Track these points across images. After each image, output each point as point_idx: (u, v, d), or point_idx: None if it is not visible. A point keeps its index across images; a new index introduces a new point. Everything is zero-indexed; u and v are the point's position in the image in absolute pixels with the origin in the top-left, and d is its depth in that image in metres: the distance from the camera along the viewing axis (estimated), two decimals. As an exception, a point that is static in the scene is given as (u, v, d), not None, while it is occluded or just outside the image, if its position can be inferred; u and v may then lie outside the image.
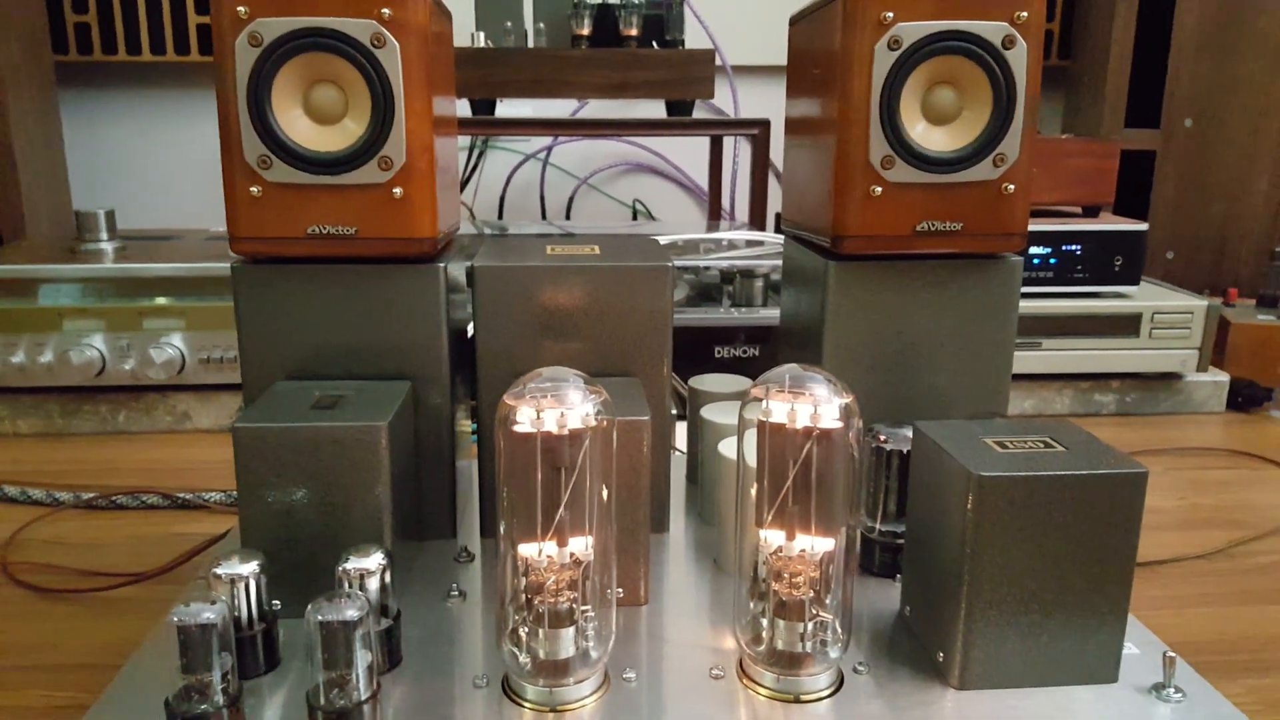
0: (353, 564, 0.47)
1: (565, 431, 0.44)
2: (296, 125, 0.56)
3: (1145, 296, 1.19)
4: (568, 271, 0.60)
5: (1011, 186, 0.59)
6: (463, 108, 1.51)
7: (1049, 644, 0.46)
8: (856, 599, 0.53)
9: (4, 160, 1.37)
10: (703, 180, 1.77)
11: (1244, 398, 1.20)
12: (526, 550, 0.45)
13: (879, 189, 0.58)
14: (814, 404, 0.44)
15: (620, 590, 0.54)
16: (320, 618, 0.42)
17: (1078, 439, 0.49)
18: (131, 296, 1.06)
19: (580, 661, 0.46)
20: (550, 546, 0.45)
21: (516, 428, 0.44)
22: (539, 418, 0.43)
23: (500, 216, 1.78)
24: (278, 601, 0.52)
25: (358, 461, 0.51)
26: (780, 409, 0.45)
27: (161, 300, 1.06)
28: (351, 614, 0.42)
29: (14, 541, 0.82)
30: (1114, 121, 1.63)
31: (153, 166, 1.70)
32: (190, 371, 1.07)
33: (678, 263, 1.17)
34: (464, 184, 1.74)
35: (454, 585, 0.56)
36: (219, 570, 0.47)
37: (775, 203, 1.73)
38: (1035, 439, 0.49)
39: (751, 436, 0.47)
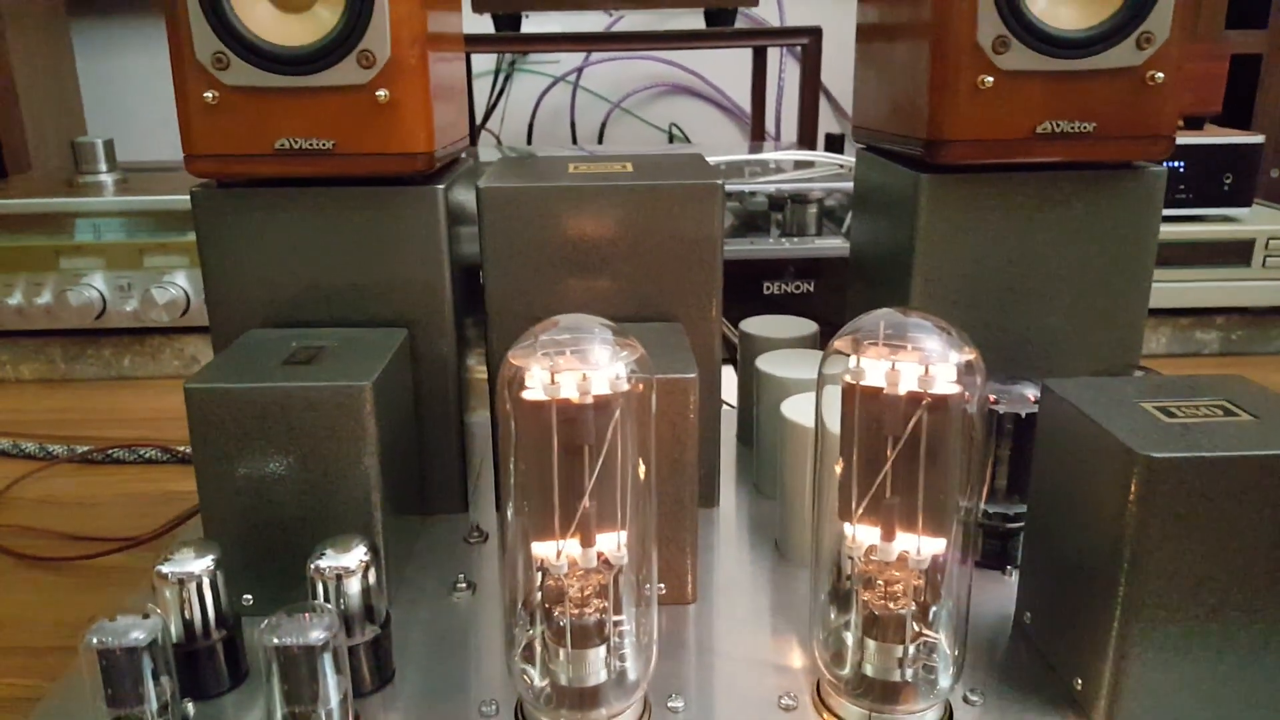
0: (327, 562, 0.38)
1: (589, 399, 0.33)
2: (257, 13, 0.44)
3: (1258, 220, 1.04)
4: (594, 193, 0.49)
5: (1160, 75, 0.46)
6: (486, 25, 1.37)
7: (1231, 673, 0.35)
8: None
9: (5, 93, 1.28)
10: (745, 102, 1.61)
11: (1372, 336, 1.05)
12: (542, 550, 0.35)
13: (989, 79, 0.45)
14: (923, 362, 0.33)
15: (663, 586, 0.44)
16: (276, 641, 0.32)
17: (1266, 403, 0.37)
18: (131, 232, 0.98)
19: (614, 688, 0.36)
20: (572, 545, 0.34)
21: (526, 394, 0.34)
22: (554, 382, 0.33)
23: (529, 143, 1.65)
24: (249, 596, 0.43)
25: (338, 429, 0.41)
26: (876, 369, 0.34)
27: (163, 236, 0.97)
28: (317, 636, 0.32)
29: (1, 500, 0.75)
30: (1213, 22, 1.44)
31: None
32: (197, 312, 0.98)
33: (724, 188, 1.05)
34: (490, 110, 1.62)
35: (462, 575, 0.46)
36: (164, 568, 0.37)
37: (826, 123, 1.58)
38: (1209, 403, 0.37)
39: (833, 399, 0.35)
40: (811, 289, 1.00)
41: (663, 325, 0.50)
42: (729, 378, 0.70)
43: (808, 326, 0.62)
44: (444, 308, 0.49)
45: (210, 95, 0.45)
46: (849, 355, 0.34)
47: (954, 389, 0.33)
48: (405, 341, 0.48)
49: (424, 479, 0.52)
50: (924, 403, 0.33)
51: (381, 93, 0.44)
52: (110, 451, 0.82)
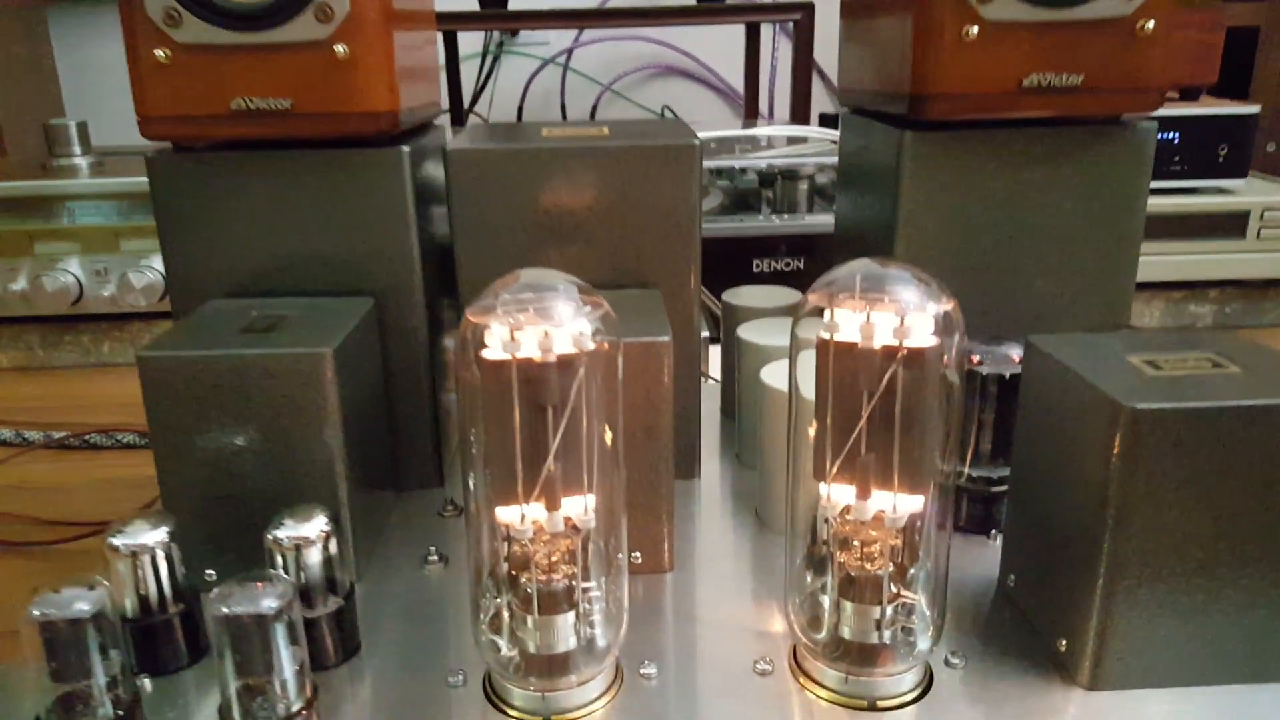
0: (286, 532, 0.36)
1: (551, 358, 0.32)
2: (212, -31, 0.43)
3: (1253, 192, 1.03)
4: (567, 155, 0.48)
5: (1150, 25, 0.44)
6: (472, 3, 1.36)
7: (1218, 631, 0.34)
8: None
9: (-25, 78, 1.27)
10: (738, 83, 1.59)
11: (1369, 307, 1.04)
12: (507, 515, 0.33)
13: (974, 30, 0.44)
14: (899, 313, 0.32)
15: (637, 555, 0.43)
16: (226, 610, 0.31)
17: (1255, 356, 0.36)
18: (107, 216, 0.96)
19: (583, 655, 0.35)
20: (537, 510, 0.33)
21: (486, 353, 0.32)
22: (514, 339, 0.31)
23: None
24: (211, 572, 0.42)
25: (298, 399, 0.40)
26: (850, 321, 0.32)
27: (140, 219, 0.96)
28: (268, 605, 0.31)
29: (-26, 486, 0.74)
30: (1210, -7, 1.42)
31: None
32: (176, 297, 0.97)
33: (709, 165, 1.03)
34: (478, 93, 1.60)
35: (434, 548, 0.45)
36: (116, 540, 0.36)
37: (821, 103, 1.56)
38: (1197, 356, 0.36)
39: (809, 360, 0.34)
40: (802, 266, 0.99)
41: (640, 292, 0.49)
42: (715, 353, 0.69)
43: (791, 296, 0.61)
44: (413, 278, 0.48)
45: (162, 54, 0.43)
46: (823, 310, 0.33)
47: (931, 341, 0.32)
48: (371, 311, 0.46)
49: (396, 454, 0.51)
50: (899, 356, 0.32)
51: (340, 48, 0.43)
52: (87, 437, 0.80)
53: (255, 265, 0.48)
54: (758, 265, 0.99)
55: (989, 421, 0.44)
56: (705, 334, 0.85)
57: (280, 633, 0.31)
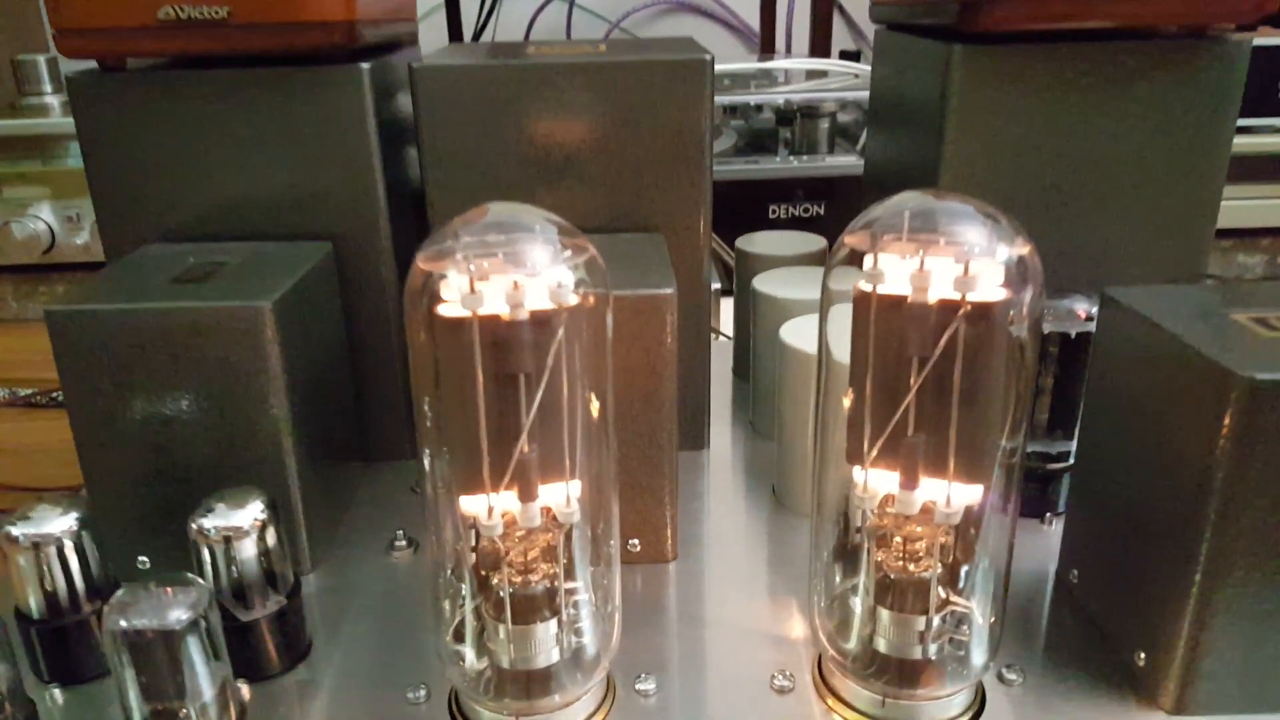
0: (214, 521, 0.30)
1: (523, 315, 0.25)
2: None
3: (1314, 131, 0.94)
4: (556, 73, 0.41)
5: (1252, -89, 0.37)
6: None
7: (1340, 651, 0.28)
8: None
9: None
10: (753, 19, 1.50)
11: None
12: (472, 506, 0.27)
13: (1041, -82, 0.36)
14: (960, 258, 0.25)
15: (635, 542, 0.37)
16: (125, 624, 0.25)
17: (1390, 311, 0.29)
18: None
19: (568, 668, 0.29)
20: (508, 500, 0.27)
21: (443, 309, 0.26)
22: (475, 291, 0.25)
23: (518, 65, 1.54)
24: (144, 559, 0.36)
25: (235, 360, 0.34)
26: (899, 269, 0.26)
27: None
28: (178, 616, 0.25)
29: (-66, 447, 0.69)
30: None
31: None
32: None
33: (722, 100, 0.95)
34: (478, 32, 1.51)
35: (402, 530, 0.39)
36: (15, 530, 0.31)
37: (841, 40, 1.46)
38: (1319, 312, 0.29)
39: (843, 316, 0.28)
40: (822, 211, 0.92)
41: (640, 236, 0.42)
42: (726, 307, 0.62)
43: (814, 242, 0.54)
44: (378, 220, 0.41)
45: (77, -47, 0.36)
46: (865, 254, 0.27)
47: (1001, 294, 0.25)
48: (328, 258, 0.40)
49: (365, 421, 0.45)
50: (961, 313, 0.25)
51: (282, -57, 0.36)
52: (54, 394, 0.75)
53: (197, 205, 0.41)
54: (774, 211, 0.92)
55: (1048, 388, 0.38)
56: (716, 285, 0.78)
57: (194, 648, 0.26)
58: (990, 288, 0.25)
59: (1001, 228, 0.26)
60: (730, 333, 0.59)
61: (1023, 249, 0.26)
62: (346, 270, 0.42)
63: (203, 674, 0.26)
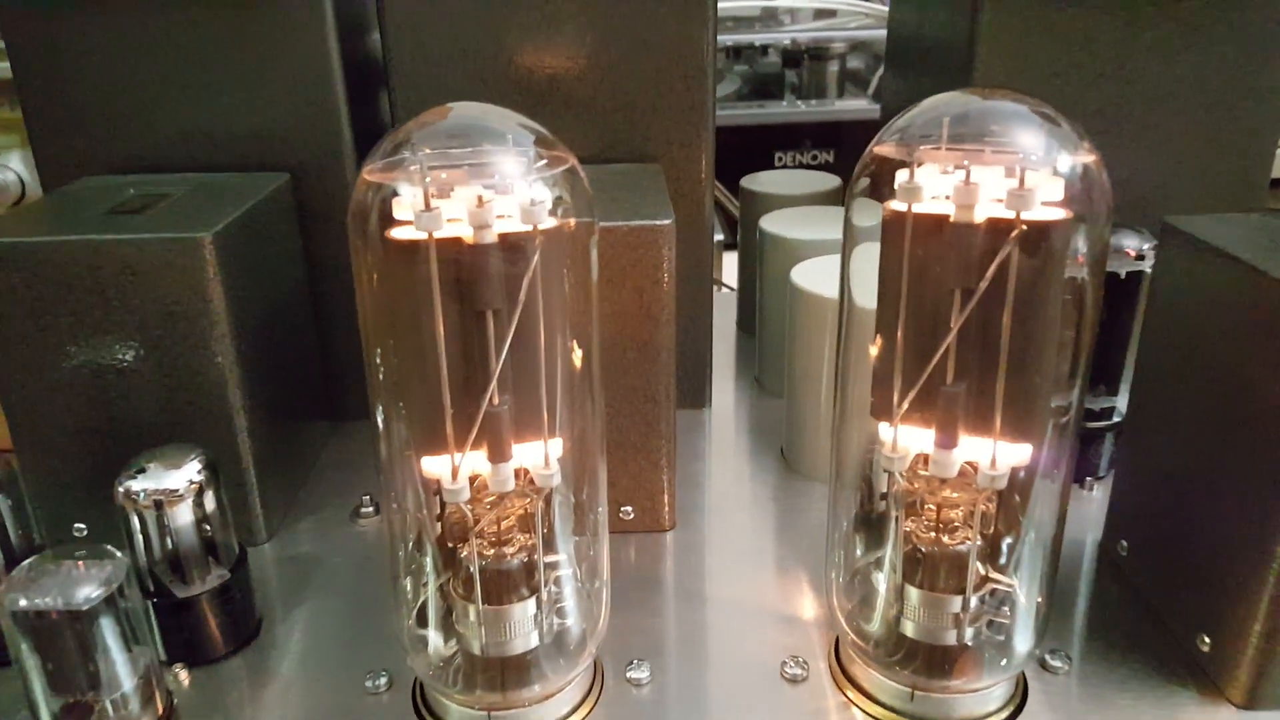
0: (143, 484, 0.27)
1: (490, 237, 0.21)
2: None
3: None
4: (540, -17, 0.36)
5: None
6: None
7: None
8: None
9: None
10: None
11: None
12: (434, 467, 0.23)
13: None
14: (1014, 169, 0.21)
15: (629, 509, 0.33)
16: (25, 604, 0.21)
17: None
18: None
19: (548, 656, 0.25)
20: (477, 460, 0.23)
21: (394, 232, 0.22)
22: (432, 209, 0.21)
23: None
24: (81, 526, 0.33)
25: (171, 300, 0.30)
26: (937, 183, 0.22)
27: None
28: (87, 594, 0.22)
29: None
30: None
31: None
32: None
33: (725, 41, 0.90)
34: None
35: (368, 496, 0.36)
36: (-85, 495, 0.27)
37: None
38: None
39: (867, 257, 0.23)
40: (832, 159, 0.87)
41: (635, 166, 0.38)
42: (730, 261, 0.58)
43: (826, 181, 0.49)
44: (341, 149, 0.37)
45: None
46: (902, 163, 0.22)
47: (1061, 213, 0.21)
48: (283, 190, 0.36)
49: (330, 374, 0.41)
50: (1014, 235, 0.21)
51: None
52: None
53: (141, 132, 0.37)
54: (780, 158, 0.87)
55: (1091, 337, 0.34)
56: (719, 237, 0.74)
57: (108, 631, 0.22)
58: (1049, 204, 0.21)
59: (1063, 132, 0.21)
60: (735, 286, 0.55)
61: (1088, 158, 0.21)
62: (306, 204, 0.38)
63: (120, 661, 0.22)
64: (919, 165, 0.22)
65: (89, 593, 0.22)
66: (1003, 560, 0.25)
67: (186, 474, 0.27)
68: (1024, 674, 0.26)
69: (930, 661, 0.25)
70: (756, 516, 0.35)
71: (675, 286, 0.31)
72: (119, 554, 0.23)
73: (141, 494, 0.26)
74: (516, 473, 0.24)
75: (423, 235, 0.21)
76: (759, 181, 0.50)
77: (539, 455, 0.24)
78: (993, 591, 0.25)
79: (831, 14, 0.93)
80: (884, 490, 0.26)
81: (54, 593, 0.22)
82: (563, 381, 0.24)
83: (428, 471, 0.24)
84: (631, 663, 0.27)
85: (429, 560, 0.25)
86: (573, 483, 0.25)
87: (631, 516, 0.33)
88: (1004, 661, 0.25)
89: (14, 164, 0.88)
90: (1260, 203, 0.39)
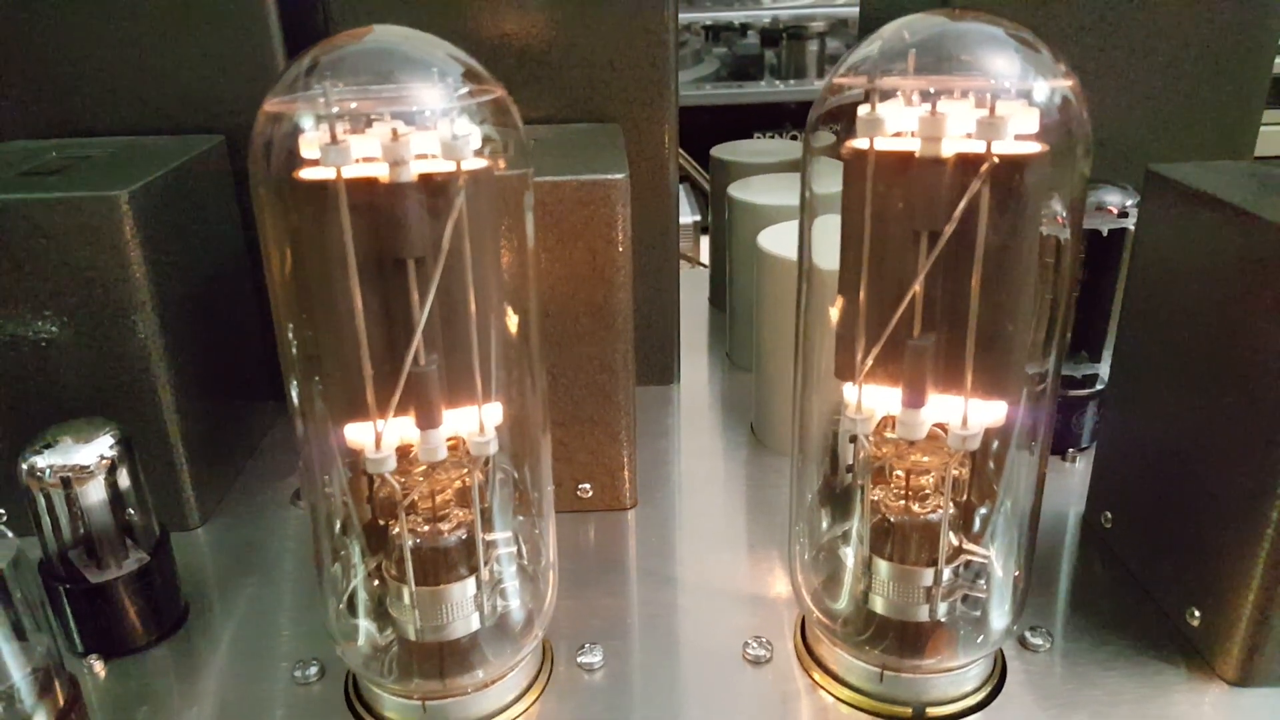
0: (49, 460, 0.24)
1: (408, 175, 0.19)
2: None
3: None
4: (489, -68, 0.34)
5: None
6: None
7: None
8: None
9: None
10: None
11: None
12: (357, 435, 0.21)
13: None
14: (984, 95, 0.19)
15: (587, 487, 0.31)
16: (-106, 589, 0.19)
17: None
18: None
19: (490, 640, 0.23)
20: (402, 427, 0.21)
21: (304, 173, 0.20)
22: (341, 143, 0.19)
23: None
24: (3, 511, 0.30)
25: (87, 265, 0.28)
26: (902, 116, 0.20)
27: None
28: (-34, 578, 0.20)
29: None
30: None
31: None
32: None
33: (704, 19, 0.88)
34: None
35: (314, 478, 0.34)
36: None
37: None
38: None
39: (830, 226, 0.22)
40: (809, 140, 0.86)
41: (592, 125, 0.36)
42: (704, 246, 0.56)
43: (798, 149, 0.47)
44: (283, 109, 0.35)
45: None
46: (860, 96, 0.20)
47: (1036, 147, 0.19)
48: (215, 151, 0.34)
49: (276, 355, 0.38)
50: (984, 169, 0.19)
51: None
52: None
53: (67, 98, 0.35)
54: (758, 139, 0.86)
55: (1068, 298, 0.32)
56: (695, 218, 0.72)
57: (-4, 618, 0.20)
58: (1023, 137, 0.19)
59: (1040, 58, 0.19)
60: (707, 260, 0.53)
61: (1066, 82, 0.19)
62: (243, 167, 0.35)
63: (7, 651, 0.20)
64: (881, 99, 0.20)
65: (-30, 575, 0.20)
66: (977, 530, 0.23)
67: (97, 449, 0.25)
68: (1002, 652, 0.25)
69: (901, 639, 0.23)
70: (724, 493, 0.33)
71: (631, 247, 0.29)
72: (8, 534, 0.21)
73: (48, 470, 0.24)
74: (453, 444, 0.22)
75: (331, 173, 0.19)
76: (731, 150, 0.48)
77: (474, 421, 0.22)
78: (967, 564, 0.23)
79: (810, -9, 0.91)
80: (850, 459, 0.24)
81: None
82: (499, 341, 0.22)
83: (350, 441, 0.22)
84: (584, 647, 0.25)
85: (355, 543, 0.23)
86: (516, 454, 0.24)
87: (590, 494, 0.31)
88: (980, 639, 0.23)
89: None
90: (1246, 158, 0.37)
